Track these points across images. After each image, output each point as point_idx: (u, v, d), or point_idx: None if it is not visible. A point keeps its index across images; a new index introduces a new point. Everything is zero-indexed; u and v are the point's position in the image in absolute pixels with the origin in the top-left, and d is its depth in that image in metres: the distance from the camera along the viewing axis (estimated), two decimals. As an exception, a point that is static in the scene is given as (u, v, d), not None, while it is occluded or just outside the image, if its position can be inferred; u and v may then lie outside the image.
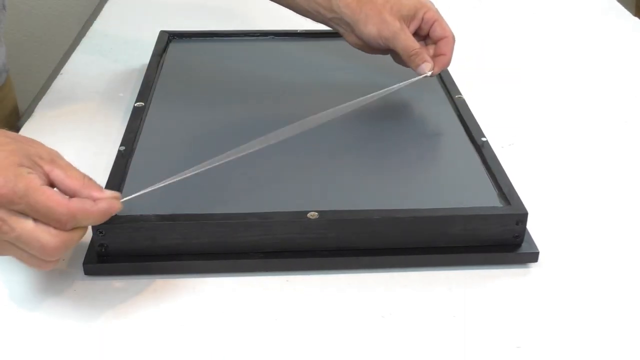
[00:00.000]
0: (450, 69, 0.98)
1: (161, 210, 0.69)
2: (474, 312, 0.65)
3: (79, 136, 0.90)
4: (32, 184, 0.59)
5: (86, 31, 1.21)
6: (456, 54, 1.09)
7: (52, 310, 0.64)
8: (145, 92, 0.90)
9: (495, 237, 0.69)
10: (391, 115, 0.88)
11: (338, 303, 0.65)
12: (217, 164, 0.69)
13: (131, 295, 0.66)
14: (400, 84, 0.85)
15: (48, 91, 1.01)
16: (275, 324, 0.63)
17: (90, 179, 0.63)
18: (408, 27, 0.86)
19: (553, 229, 0.74)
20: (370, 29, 0.85)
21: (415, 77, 0.86)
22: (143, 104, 0.87)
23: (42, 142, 0.88)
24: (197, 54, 1.04)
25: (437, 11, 0.87)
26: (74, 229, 0.60)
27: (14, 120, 1.01)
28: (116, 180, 0.73)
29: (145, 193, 0.67)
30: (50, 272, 0.68)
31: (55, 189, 0.61)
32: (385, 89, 0.83)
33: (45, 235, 0.59)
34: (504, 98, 1.02)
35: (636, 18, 1.29)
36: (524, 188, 0.74)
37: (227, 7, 1.32)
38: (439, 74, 0.97)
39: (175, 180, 0.67)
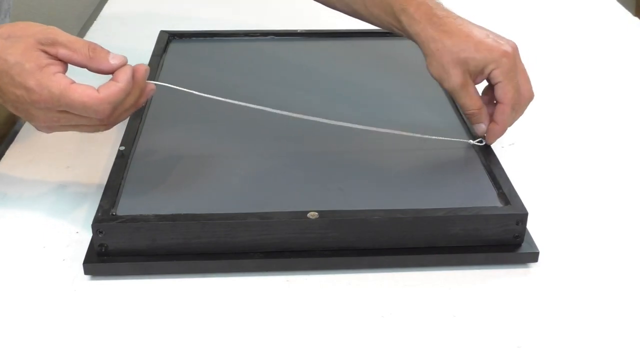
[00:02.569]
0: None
1: (161, 210, 0.69)
2: (474, 312, 0.65)
3: (79, 136, 0.89)
4: (63, 84, 0.65)
5: (86, 31, 1.21)
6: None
7: (52, 310, 0.64)
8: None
9: (495, 237, 0.69)
10: (391, 115, 0.88)
11: (338, 303, 0.65)
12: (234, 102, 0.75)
13: (131, 295, 0.66)
14: (440, 137, 0.80)
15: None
16: (275, 323, 0.63)
17: (95, 47, 0.68)
18: (474, 80, 0.79)
19: (553, 229, 0.74)
20: (433, 71, 0.80)
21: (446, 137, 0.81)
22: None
23: (43, 141, 0.89)
24: (197, 54, 1.04)
25: (512, 69, 0.78)
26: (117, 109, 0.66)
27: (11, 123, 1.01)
28: (116, 181, 0.73)
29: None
30: (50, 272, 0.68)
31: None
32: (422, 135, 0.80)
33: (97, 122, 0.67)
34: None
35: (636, 18, 1.29)
36: (524, 188, 0.74)
37: (227, 7, 1.32)
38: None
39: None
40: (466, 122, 0.84)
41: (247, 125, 0.85)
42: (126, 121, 0.84)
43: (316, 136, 0.82)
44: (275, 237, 0.68)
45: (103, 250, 0.68)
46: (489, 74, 0.78)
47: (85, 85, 0.66)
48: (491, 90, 0.80)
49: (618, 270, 0.70)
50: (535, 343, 0.62)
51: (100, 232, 0.67)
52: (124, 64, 0.68)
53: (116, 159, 0.77)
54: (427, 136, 0.80)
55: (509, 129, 0.92)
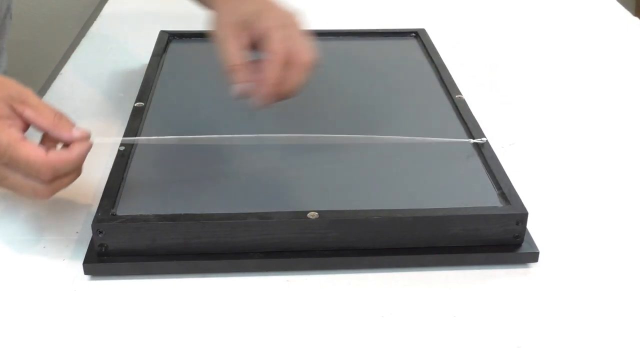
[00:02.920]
0: (450, 69, 0.98)
1: (161, 210, 0.69)
2: (474, 312, 0.65)
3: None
4: (13, 137, 0.63)
5: (86, 31, 1.21)
6: (456, 54, 1.09)
7: (51, 310, 0.64)
8: (145, 92, 0.90)
9: (495, 237, 0.69)
10: (391, 115, 0.88)
11: (338, 303, 0.65)
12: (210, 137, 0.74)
13: (131, 295, 0.66)
14: (435, 139, 0.80)
15: (48, 91, 1.01)
16: (275, 323, 0.63)
17: (61, 116, 0.66)
18: (248, 38, 0.74)
19: (553, 229, 0.74)
20: (212, 27, 0.76)
21: (446, 137, 0.81)
22: (143, 104, 0.87)
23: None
24: (197, 54, 1.04)
25: (278, 18, 0.74)
26: (59, 177, 0.65)
27: None
28: (116, 180, 0.73)
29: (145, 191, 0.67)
30: (50, 272, 0.68)
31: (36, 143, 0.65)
32: (416, 138, 0.79)
33: (33, 183, 0.64)
34: (504, 98, 1.02)
35: (636, 18, 1.29)
36: (524, 188, 0.74)
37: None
38: (439, 72, 0.97)
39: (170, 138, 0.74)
40: (466, 122, 0.84)
41: (247, 125, 0.85)
42: (127, 121, 0.84)
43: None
44: (275, 237, 0.68)
45: (103, 250, 0.68)
46: (256, 25, 0.73)
47: (35, 144, 0.64)
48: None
49: (618, 270, 0.70)
50: (535, 343, 0.62)
51: (100, 232, 0.67)
52: (85, 139, 0.66)
53: (116, 159, 0.77)
54: (427, 139, 0.80)
55: (508, 129, 0.92)
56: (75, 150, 0.66)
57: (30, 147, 0.63)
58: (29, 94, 0.66)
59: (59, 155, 0.65)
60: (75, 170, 0.67)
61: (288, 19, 0.75)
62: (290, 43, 0.73)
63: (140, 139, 0.78)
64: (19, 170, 0.64)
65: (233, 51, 0.73)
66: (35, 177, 0.64)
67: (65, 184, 0.67)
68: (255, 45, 0.75)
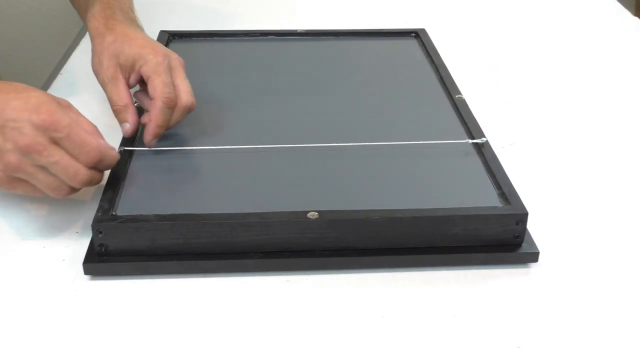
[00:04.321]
0: (450, 69, 0.98)
1: (161, 210, 0.69)
2: (474, 312, 0.65)
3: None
4: (78, 119, 0.70)
5: (86, 31, 1.20)
6: (456, 54, 1.09)
7: (51, 310, 0.64)
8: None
9: (495, 237, 0.69)
10: (391, 115, 0.88)
11: (338, 303, 0.65)
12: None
13: (131, 295, 0.66)
14: (435, 141, 0.80)
15: (48, 91, 1.01)
16: (275, 323, 0.63)
17: (97, 129, 0.72)
18: (128, 78, 0.80)
19: (553, 229, 0.74)
20: (92, 64, 0.82)
21: (446, 137, 0.81)
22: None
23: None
24: (197, 54, 1.04)
25: (160, 64, 0.78)
26: (96, 168, 0.70)
27: None
28: (116, 181, 0.73)
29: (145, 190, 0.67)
30: (50, 272, 0.68)
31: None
32: (416, 142, 0.80)
33: (78, 164, 0.68)
34: (504, 98, 1.02)
35: (636, 18, 1.29)
36: (524, 188, 0.74)
37: (227, 7, 1.32)
38: (439, 72, 0.97)
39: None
40: (466, 122, 0.84)
41: (247, 125, 0.85)
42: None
43: (316, 136, 0.82)
44: (275, 237, 0.68)
45: (103, 250, 0.68)
46: (139, 70, 0.79)
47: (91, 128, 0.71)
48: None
49: (618, 270, 0.70)
50: (535, 343, 0.62)
51: (100, 232, 0.67)
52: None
53: (116, 159, 0.77)
54: (427, 142, 0.80)
55: (508, 129, 0.92)
56: (114, 152, 0.72)
57: (89, 129, 0.70)
58: (69, 104, 0.72)
59: (108, 146, 0.71)
60: (108, 166, 0.72)
61: (166, 63, 0.79)
62: (169, 89, 0.78)
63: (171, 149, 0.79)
64: (72, 146, 0.68)
65: (119, 93, 0.79)
66: (84, 158, 0.68)
67: (95, 179, 0.71)
68: (140, 83, 0.81)
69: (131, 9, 0.91)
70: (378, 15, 1.30)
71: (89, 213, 0.71)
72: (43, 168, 0.68)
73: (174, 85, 0.79)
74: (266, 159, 0.78)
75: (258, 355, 0.60)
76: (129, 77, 0.80)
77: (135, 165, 0.76)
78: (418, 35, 1.09)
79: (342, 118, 0.88)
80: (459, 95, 0.91)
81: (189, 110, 0.80)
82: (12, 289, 0.67)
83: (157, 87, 0.77)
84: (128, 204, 0.70)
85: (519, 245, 0.70)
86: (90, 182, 0.71)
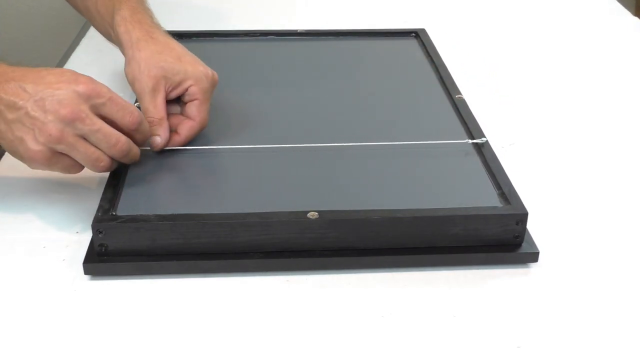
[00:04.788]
0: (450, 69, 0.98)
1: (161, 210, 0.69)
2: (474, 312, 0.65)
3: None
4: (112, 92, 0.70)
5: (86, 31, 1.21)
6: (456, 54, 1.09)
7: (52, 310, 0.64)
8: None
9: (495, 237, 0.69)
10: (391, 115, 0.88)
11: (338, 303, 0.65)
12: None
13: (131, 295, 0.66)
14: (435, 142, 0.80)
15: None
16: (275, 324, 0.63)
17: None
18: (169, 91, 0.79)
19: (553, 229, 0.74)
20: (128, 70, 0.80)
21: (446, 137, 0.81)
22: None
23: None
24: (197, 54, 1.03)
25: (208, 90, 0.80)
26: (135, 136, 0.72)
27: None
28: (116, 181, 0.73)
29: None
30: (50, 272, 0.68)
31: None
32: (416, 142, 0.80)
33: (119, 133, 0.70)
34: (504, 98, 1.02)
35: (636, 18, 1.29)
36: (524, 188, 0.74)
37: (227, 7, 1.32)
38: (439, 72, 0.97)
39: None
40: (466, 122, 0.84)
41: (247, 125, 0.85)
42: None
43: (316, 136, 0.82)
44: (275, 237, 0.68)
45: (103, 250, 0.68)
46: (188, 88, 0.79)
47: None
48: (178, 105, 0.81)
49: (618, 270, 0.70)
50: (535, 343, 0.62)
51: (100, 232, 0.67)
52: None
53: (116, 159, 0.77)
54: (427, 142, 0.80)
55: (508, 129, 0.92)
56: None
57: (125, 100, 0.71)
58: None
59: (142, 116, 0.73)
60: (143, 136, 0.74)
61: (212, 90, 0.81)
62: (208, 117, 0.80)
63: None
64: (112, 112, 0.69)
65: (157, 106, 0.78)
66: (127, 119, 0.70)
67: (133, 152, 0.72)
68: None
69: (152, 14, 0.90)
70: (378, 15, 1.30)
71: (89, 213, 0.71)
72: (84, 138, 0.68)
73: (198, 103, 0.80)
74: (266, 159, 0.78)
75: (258, 355, 0.60)
76: (170, 91, 0.79)
77: (135, 166, 0.76)
78: (418, 35, 1.09)
79: (342, 118, 0.88)
80: (459, 95, 0.91)
81: (202, 129, 0.81)
82: (12, 289, 0.67)
83: (202, 113, 0.79)
84: (128, 204, 0.70)
85: (519, 245, 0.70)
86: (129, 154, 0.72)
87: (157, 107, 0.78)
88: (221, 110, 0.88)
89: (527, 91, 1.04)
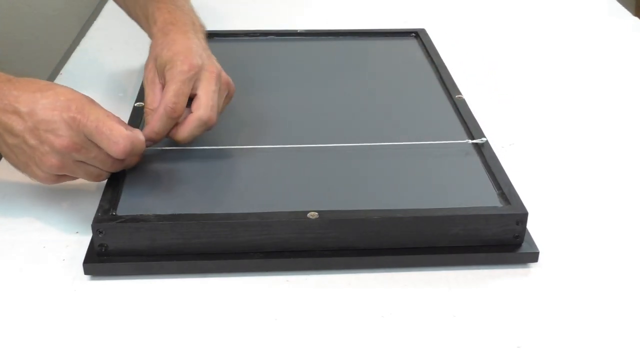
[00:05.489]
0: (450, 69, 0.98)
1: (161, 210, 0.69)
2: (474, 312, 0.65)
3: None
4: (105, 112, 0.70)
5: (86, 31, 1.21)
6: (456, 54, 1.09)
7: (52, 310, 0.64)
8: None
9: (496, 237, 0.69)
10: (391, 115, 0.88)
11: (338, 303, 0.65)
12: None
13: (131, 295, 0.66)
14: (432, 142, 0.80)
15: (48, 91, 1.01)
16: (275, 324, 0.63)
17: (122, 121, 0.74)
18: (162, 82, 0.77)
19: (553, 229, 0.74)
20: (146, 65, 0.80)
21: (446, 137, 0.81)
22: (143, 104, 0.87)
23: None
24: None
25: (183, 72, 0.75)
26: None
27: None
28: (116, 181, 0.73)
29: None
30: (49, 272, 0.68)
31: None
32: (415, 143, 0.80)
33: (109, 161, 0.71)
34: (504, 98, 1.02)
35: (636, 18, 1.29)
36: (524, 188, 0.74)
37: (227, 7, 1.32)
38: (439, 72, 0.97)
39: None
40: (466, 122, 0.84)
41: (247, 125, 0.85)
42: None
43: (316, 136, 0.82)
44: (275, 237, 0.68)
45: (103, 250, 0.68)
46: (165, 74, 0.76)
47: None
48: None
49: (618, 270, 0.70)
50: (535, 343, 0.62)
51: (100, 232, 0.67)
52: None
53: (116, 159, 0.77)
54: (427, 142, 0.80)
55: (508, 129, 0.92)
56: (141, 136, 0.73)
57: (115, 121, 0.70)
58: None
59: (135, 133, 0.72)
60: (139, 151, 0.73)
61: (191, 74, 0.76)
62: (177, 99, 0.75)
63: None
64: (101, 138, 0.69)
65: (154, 97, 0.77)
66: (113, 146, 0.69)
67: (132, 163, 0.74)
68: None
69: (192, 9, 0.89)
70: (378, 15, 1.30)
71: (89, 213, 0.71)
72: (83, 162, 0.71)
73: (197, 97, 0.76)
74: (266, 159, 0.78)
75: (258, 356, 0.60)
76: (163, 82, 0.78)
77: (135, 166, 0.76)
78: (418, 35, 1.09)
79: (341, 118, 0.88)
80: (459, 95, 0.91)
81: (205, 125, 0.76)
82: (12, 288, 0.67)
83: (166, 94, 0.75)
84: (128, 204, 0.70)
85: (519, 245, 0.70)
86: (128, 166, 0.74)
87: (154, 98, 0.77)
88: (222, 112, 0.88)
89: (527, 91, 1.04)
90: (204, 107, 0.76)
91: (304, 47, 1.07)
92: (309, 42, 1.09)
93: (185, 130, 0.76)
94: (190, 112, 0.76)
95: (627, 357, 0.61)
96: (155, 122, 0.75)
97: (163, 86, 0.77)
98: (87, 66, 1.08)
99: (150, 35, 0.85)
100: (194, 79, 0.76)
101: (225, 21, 1.24)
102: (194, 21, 0.86)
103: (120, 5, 1.00)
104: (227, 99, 0.81)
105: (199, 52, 0.79)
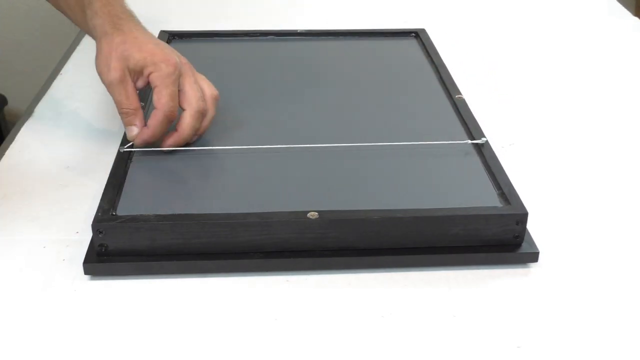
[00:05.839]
0: (450, 69, 0.98)
1: (161, 210, 0.69)
2: (474, 312, 0.65)
3: (79, 136, 0.90)
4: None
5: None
6: (456, 54, 1.09)
7: (52, 310, 0.64)
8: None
9: (496, 237, 0.69)
10: (391, 115, 0.88)
11: (338, 303, 0.65)
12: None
13: (131, 295, 0.66)
14: (432, 142, 0.80)
15: (48, 91, 1.01)
16: (275, 324, 0.63)
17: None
18: (135, 81, 0.78)
19: (553, 229, 0.74)
20: (97, 64, 0.79)
21: (446, 137, 0.81)
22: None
23: (42, 142, 0.89)
24: (197, 54, 1.03)
25: (170, 75, 0.77)
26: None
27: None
28: (116, 181, 0.73)
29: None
30: (49, 272, 0.68)
31: None
32: (415, 143, 0.80)
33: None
34: (504, 98, 1.02)
35: (636, 18, 1.29)
36: (524, 188, 0.74)
37: (227, 7, 1.32)
38: (439, 72, 0.97)
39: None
40: (466, 122, 0.84)
41: (247, 126, 0.85)
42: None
43: (316, 136, 0.82)
44: (275, 237, 0.68)
45: (103, 250, 0.68)
46: (148, 76, 0.78)
47: None
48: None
49: (618, 270, 0.70)
50: (535, 343, 0.62)
51: (100, 232, 0.67)
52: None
53: (116, 158, 0.77)
54: (427, 142, 0.80)
55: (508, 129, 0.92)
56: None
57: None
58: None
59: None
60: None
61: (176, 74, 0.78)
62: (174, 102, 0.77)
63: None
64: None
65: (128, 96, 0.78)
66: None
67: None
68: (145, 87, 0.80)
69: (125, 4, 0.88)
70: (378, 15, 1.30)
71: (89, 213, 0.71)
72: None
73: (183, 92, 0.78)
74: (266, 159, 0.78)
75: (258, 356, 0.60)
76: (136, 81, 0.79)
77: (135, 166, 0.76)
78: (418, 35, 1.09)
79: (341, 118, 0.88)
80: (459, 95, 0.91)
81: (202, 115, 0.79)
82: (12, 289, 0.67)
83: (162, 98, 0.76)
84: (128, 204, 0.70)
85: (519, 245, 0.70)
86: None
87: (129, 98, 0.78)
88: (220, 111, 0.88)
89: (527, 91, 1.04)
90: (195, 99, 0.78)
91: (304, 47, 1.07)
92: (309, 42, 1.09)
93: (187, 128, 0.78)
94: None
95: (627, 357, 0.61)
96: (156, 127, 0.77)
97: (134, 84, 0.78)
98: (87, 66, 1.07)
99: (92, 27, 0.82)
100: (179, 76, 0.78)
101: (225, 21, 1.24)
102: (131, 12, 0.86)
103: None
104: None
105: (167, 47, 0.81)
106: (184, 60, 0.81)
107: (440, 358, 0.60)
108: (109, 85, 0.78)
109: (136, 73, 0.78)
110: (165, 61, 0.78)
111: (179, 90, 0.78)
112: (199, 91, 0.79)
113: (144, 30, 0.83)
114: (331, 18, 1.29)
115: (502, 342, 0.62)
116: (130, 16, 0.84)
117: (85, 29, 0.87)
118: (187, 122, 0.78)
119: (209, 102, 0.80)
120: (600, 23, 1.28)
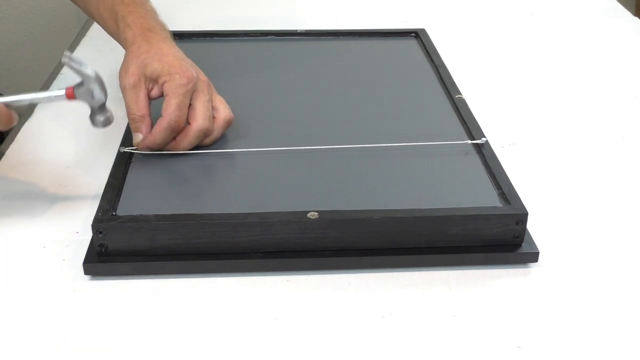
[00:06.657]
0: (450, 69, 0.98)
1: (161, 210, 0.69)
2: (474, 312, 0.65)
3: (79, 136, 0.90)
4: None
5: (86, 31, 1.21)
6: (456, 54, 1.10)
7: (52, 310, 0.64)
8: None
9: (496, 237, 0.69)
10: (391, 115, 0.88)
11: (338, 303, 0.65)
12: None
13: (131, 295, 0.66)
14: (432, 143, 0.80)
15: (47, 91, 1.01)
16: (275, 324, 0.63)
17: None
18: (150, 89, 0.79)
19: (553, 229, 0.74)
20: (120, 69, 0.81)
21: (446, 137, 0.81)
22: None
23: (42, 142, 0.89)
24: (197, 53, 1.03)
25: (182, 86, 0.77)
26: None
27: None
28: (116, 181, 0.73)
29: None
30: (50, 272, 0.68)
31: None
32: (415, 144, 0.80)
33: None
34: (504, 98, 1.02)
35: (636, 18, 1.29)
36: (524, 188, 0.74)
37: (227, 7, 1.32)
38: (439, 72, 0.97)
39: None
40: (466, 122, 0.84)
41: (247, 126, 0.85)
42: (126, 121, 0.84)
43: (316, 136, 0.82)
44: (275, 237, 0.68)
45: (103, 250, 0.68)
46: (162, 85, 0.78)
47: None
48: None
49: (618, 270, 0.70)
50: (535, 343, 0.62)
51: (100, 232, 0.67)
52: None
53: (116, 159, 0.77)
54: (427, 142, 0.80)
55: (508, 129, 0.92)
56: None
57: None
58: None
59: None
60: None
61: (189, 87, 0.78)
62: (180, 112, 0.77)
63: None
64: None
65: (138, 102, 0.79)
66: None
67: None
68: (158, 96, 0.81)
69: (156, 13, 0.90)
70: (378, 15, 1.30)
71: (89, 213, 0.71)
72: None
73: (193, 108, 0.78)
74: (266, 159, 0.78)
75: (258, 355, 0.60)
76: (151, 89, 0.79)
77: (135, 166, 0.76)
78: (418, 35, 1.09)
79: (342, 118, 0.88)
80: (459, 95, 0.91)
81: (204, 134, 0.79)
82: (12, 288, 0.67)
83: (169, 108, 0.77)
84: (128, 204, 0.70)
85: (519, 245, 0.70)
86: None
87: (138, 104, 0.78)
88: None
89: (527, 91, 1.04)
90: (202, 117, 0.78)
91: (304, 47, 1.07)
92: (309, 42, 1.09)
93: (185, 141, 0.78)
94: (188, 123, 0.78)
95: (626, 357, 0.61)
96: (158, 135, 0.77)
97: (148, 93, 0.79)
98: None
99: (123, 39, 0.84)
100: (192, 90, 0.78)
101: (225, 21, 1.24)
102: (164, 26, 0.87)
103: (76, 2, 0.99)
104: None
105: (189, 62, 0.81)
106: (203, 77, 0.81)
107: (441, 358, 0.60)
108: (122, 89, 0.79)
109: (152, 81, 0.79)
110: (180, 72, 0.78)
111: (189, 105, 0.78)
112: (208, 110, 0.79)
113: (171, 43, 0.84)
114: (331, 18, 1.29)
115: (502, 342, 0.62)
116: (162, 30, 0.85)
117: (117, 39, 0.88)
118: (186, 137, 0.78)
119: (218, 124, 0.80)
120: (600, 23, 1.28)
